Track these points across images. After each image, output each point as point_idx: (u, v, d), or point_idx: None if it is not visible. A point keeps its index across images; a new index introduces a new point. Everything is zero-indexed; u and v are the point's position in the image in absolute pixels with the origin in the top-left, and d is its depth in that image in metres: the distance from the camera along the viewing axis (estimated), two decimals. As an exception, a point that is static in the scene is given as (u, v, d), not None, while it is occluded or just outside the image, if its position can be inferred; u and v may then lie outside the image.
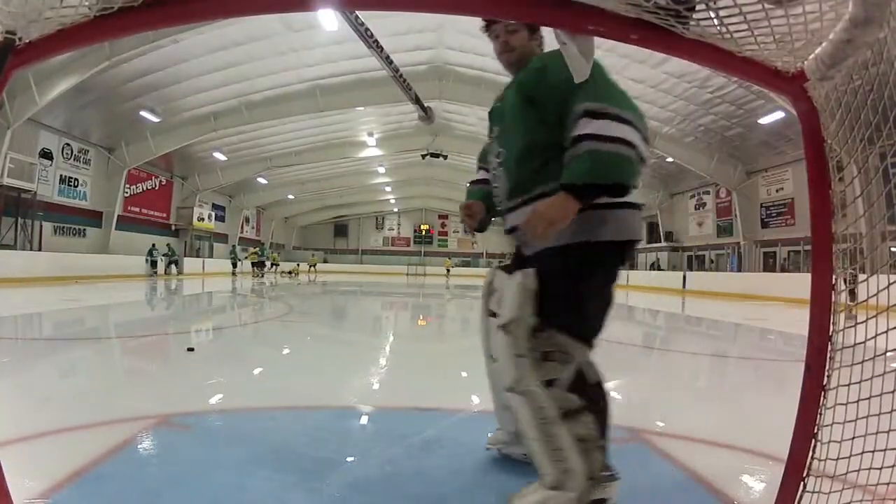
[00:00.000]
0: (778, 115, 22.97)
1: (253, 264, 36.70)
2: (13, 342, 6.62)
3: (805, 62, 1.66)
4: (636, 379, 6.43)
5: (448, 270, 51.96)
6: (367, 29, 16.11)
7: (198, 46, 20.47)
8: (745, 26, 1.58)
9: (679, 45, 1.67)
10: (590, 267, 2.31)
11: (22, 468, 2.20)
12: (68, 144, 24.69)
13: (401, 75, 20.19)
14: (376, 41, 16.80)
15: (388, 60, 18.32)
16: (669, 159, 31.05)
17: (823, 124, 1.73)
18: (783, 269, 27.28)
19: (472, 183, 3.22)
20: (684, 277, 31.47)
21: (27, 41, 1.64)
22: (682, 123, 27.49)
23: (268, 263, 38.70)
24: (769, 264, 28.97)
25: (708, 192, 34.22)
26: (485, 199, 2.99)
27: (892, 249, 1.86)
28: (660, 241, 39.10)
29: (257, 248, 40.03)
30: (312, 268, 44.84)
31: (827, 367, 1.80)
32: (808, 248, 24.67)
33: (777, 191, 28.37)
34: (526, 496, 2.31)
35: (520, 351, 2.23)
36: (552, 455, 2.24)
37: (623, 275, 37.27)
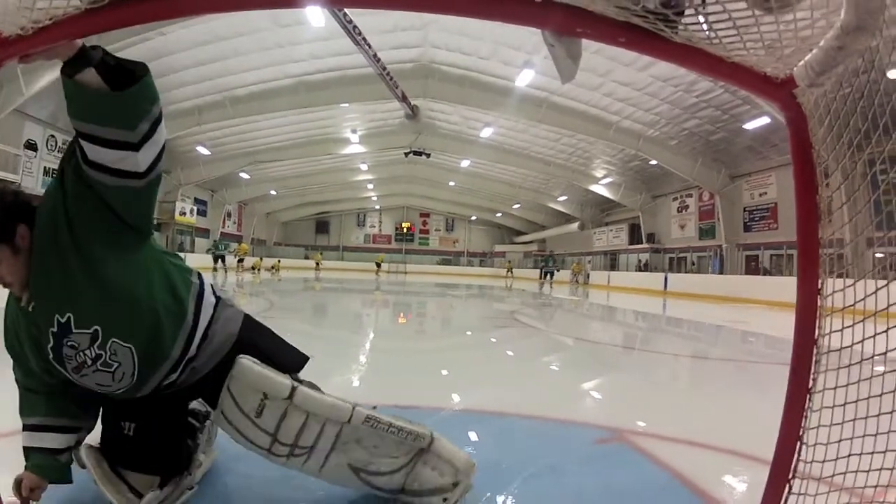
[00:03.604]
0: (763, 120, 23.11)
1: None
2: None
3: (794, 69, 1.67)
4: (618, 379, 6.47)
5: (510, 271, 51.28)
6: (355, 26, 16.10)
7: (184, 40, 20.36)
8: (734, 32, 1.59)
9: (667, 49, 1.67)
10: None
11: (17, 466, 2.18)
12: (53, 136, 24.37)
13: (388, 73, 20.18)
14: (364, 38, 16.78)
15: (375, 58, 18.31)
16: (653, 162, 31.20)
17: (811, 130, 1.74)
18: (766, 273, 27.42)
19: (30, 450, 2.26)
20: (665, 279, 31.61)
21: (18, 33, 1.63)
22: (667, 127, 27.62)
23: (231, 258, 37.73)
24: (751, 267, 29.11)
25: (691, 195, 34.38)
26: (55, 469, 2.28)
27: (878, 255, 1.87)
28: (641, 243, 39.24)
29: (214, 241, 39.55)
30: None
31: (813, 371, 1.81)
32: (791, 252, 24.87)
33: (760, 195, 28.53)
34: None
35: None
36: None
37: (604, 275, 37.48)
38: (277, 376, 2.34)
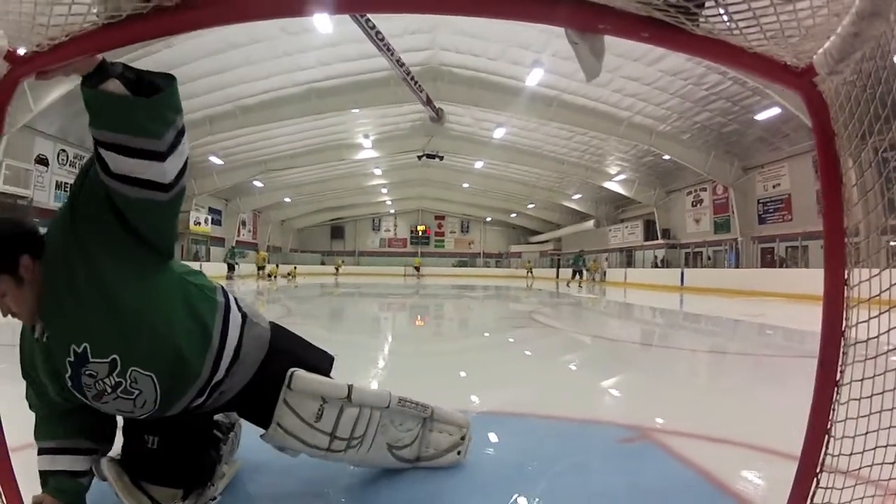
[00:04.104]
0: (774, 110, 22.89)
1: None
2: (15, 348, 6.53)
3: (814, 57, 1.65)
4: (638, 377, 6.44)
5: (530, 271, 51.30)
6: (378, 31, 16.07)
7: (192, 51, 20.45)
8: (753, 22, 1.58)
9: (689, 42, 1.67)
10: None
11: (35, 471, 2.19)
12: (64, 150, 24.42)
13: (412, 77, 20.18)
14: (387, 44, 16.75)
15: (399, 63, 18.30)
16: (666, 157, 31.08)
17: (833, 118, 1.72)
18: (781, 265, 27.23)
19: (49, 473, 2.23)
20: (682, 274, 31.49)
21: (35, 49, 1.63)
22: (679, 121, 27.47)
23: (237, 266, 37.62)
24: (767, 260, 28.90)
25: (705, 189, 34.17)
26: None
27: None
28: (657, 239, 39.08)
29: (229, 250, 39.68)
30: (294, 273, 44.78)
31: (840, 363, 1.79)
32: (806, 243, 24.70)
33: (774, 186, 28.30)
34: None
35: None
36: None
37: (621, 273, 37.15)
38: (331, 381, 2.54)
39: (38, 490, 2.18)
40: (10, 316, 1.94)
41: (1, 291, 1.86)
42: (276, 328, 2.58)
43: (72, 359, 1.90)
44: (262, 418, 2.42)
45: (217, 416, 2.67)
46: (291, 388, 2.39)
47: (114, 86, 1.65)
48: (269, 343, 2.47)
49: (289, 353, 2.53)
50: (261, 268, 37.45)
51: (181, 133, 1.80)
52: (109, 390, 1.96)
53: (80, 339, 1.88)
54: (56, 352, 1.93)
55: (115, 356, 1.91)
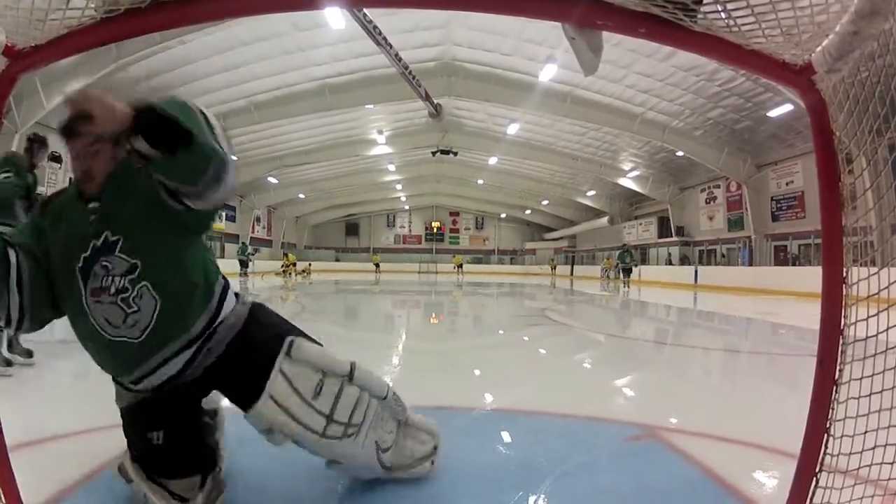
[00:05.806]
0: (787, 107, 22.73)
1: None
2: (25, 345, 6.58)
3: (812, 54, 1.65)
4: (649, 375, 6.43)
5: (554, 268, 51.07)
6: (375, 27, 16.11)
7: (205, 47, 20.49)
8: (752, 19, 1.57)
9: (687, 39, 1.67)
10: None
11: (33, 471, 2.20)
12: (78, 148, 24.12)
13: (410, 72, 20.18)
14: (385, 38, 16.79)
15: (397, 58, 18.32)
16: (679, 153, 30.94)
17: (832, 116, 1.72)
18: (794, 263, 27.07)
19: None
20: (696, 272, 31.33)
21: (33, 45, 1.64)
22: (692, 117, 27.31)
23: (252, 263, 37.38)
24: (780, 258, 28.72)
25: (718, 186, 33.95)
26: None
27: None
28: (671, 236, 38.89)
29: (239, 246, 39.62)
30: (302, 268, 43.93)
31: (839, 361, 1.78)
32: (819, 241, 24.43)
33: (787, 184, 28.09)
34: None
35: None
36: None
37: (635, 270, 36.86)
38: (333, 355, 2.40)
39: (37, 490, 2.18)
40: (71, 179, 2.06)
41: (95, 150, 1.94)
42: (256, 304, 2.59)
43: (98, 244, 1.98)
44: (249, 392, 2.27)
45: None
46: (291, 355, 2.30)
47: (139, 144, 1.77)
48: (248, 312, 2.46)
49: (273, 325, 2.49)
50: (291, 264, 37.27)
51: (217, 177, 1.90)
52: (112, 291, 1.99)
53: (119, 229, 1.98)
54: (90, 230, 1.99)
55: (137, 261, 1.99)
